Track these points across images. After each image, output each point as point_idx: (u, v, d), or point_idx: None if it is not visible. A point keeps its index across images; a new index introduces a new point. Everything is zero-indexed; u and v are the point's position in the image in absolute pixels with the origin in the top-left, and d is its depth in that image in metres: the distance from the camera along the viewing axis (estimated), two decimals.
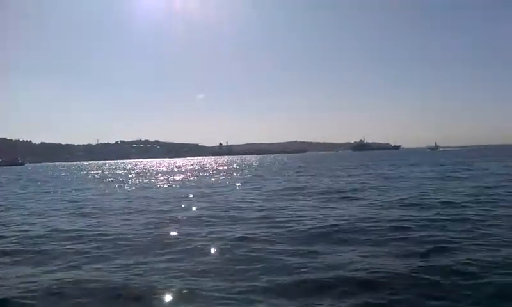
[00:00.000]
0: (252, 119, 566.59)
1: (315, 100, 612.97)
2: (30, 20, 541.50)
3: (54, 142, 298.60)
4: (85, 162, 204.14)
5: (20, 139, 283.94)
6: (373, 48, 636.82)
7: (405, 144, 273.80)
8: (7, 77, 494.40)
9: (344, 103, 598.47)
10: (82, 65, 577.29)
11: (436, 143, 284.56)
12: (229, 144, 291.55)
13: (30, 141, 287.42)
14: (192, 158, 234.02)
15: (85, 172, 70.77)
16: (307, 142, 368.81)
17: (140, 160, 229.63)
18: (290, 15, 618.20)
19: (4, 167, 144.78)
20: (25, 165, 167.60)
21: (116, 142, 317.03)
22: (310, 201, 17.34)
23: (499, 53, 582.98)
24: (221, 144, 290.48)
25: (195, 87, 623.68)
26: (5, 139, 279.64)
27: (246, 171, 50.11)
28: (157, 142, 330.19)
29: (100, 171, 71.48)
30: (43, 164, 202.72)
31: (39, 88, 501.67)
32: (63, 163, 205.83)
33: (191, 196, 21.54)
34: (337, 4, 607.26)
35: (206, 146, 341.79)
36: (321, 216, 12.85)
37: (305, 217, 12.82)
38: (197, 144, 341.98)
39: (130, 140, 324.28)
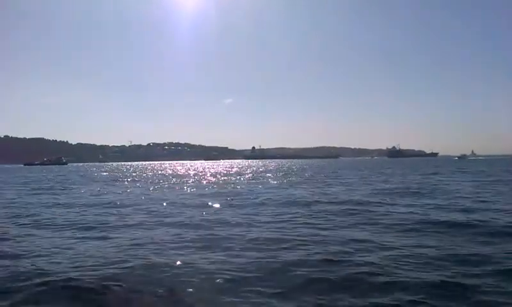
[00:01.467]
0: (283, 123, 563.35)
1: (346, 105, 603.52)
2: (59, 25, 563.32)
3: (89, 142, 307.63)
4: (124, 163, 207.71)
5: (57, 140, 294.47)
6: (407, 55, 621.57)
7: (442, 152, 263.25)
8: (42, 79, 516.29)
9: (376, 109, 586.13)
10: (114, 68, 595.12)
11: (473, 151, 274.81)
12: (262, 147, 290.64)
13: (67, 142, 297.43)
14: (227, 161, 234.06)
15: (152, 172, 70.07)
16: (339, 147, 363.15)
17: (171, 162, 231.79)
18: (325, 19, 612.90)
19: (49, 166, 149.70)
20: (68, 164, 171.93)
21: (148, 144, 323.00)
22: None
23: None
24: (253, 147, 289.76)
25: (225, 91, 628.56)
26: (43, 138, 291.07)
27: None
28: (187, 144, 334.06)
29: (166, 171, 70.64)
30: (84, 163, 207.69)
31: (72, 91, 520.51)
32: (101, 163, 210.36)
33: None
34: (383, 3, 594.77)
35: (236, 149, 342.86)
36: None
37: None
38: (227, 147, 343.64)
39: (161, 142, 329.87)
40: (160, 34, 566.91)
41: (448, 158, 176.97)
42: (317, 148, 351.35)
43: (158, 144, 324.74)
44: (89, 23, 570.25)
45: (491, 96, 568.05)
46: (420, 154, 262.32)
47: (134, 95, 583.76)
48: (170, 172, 68.30)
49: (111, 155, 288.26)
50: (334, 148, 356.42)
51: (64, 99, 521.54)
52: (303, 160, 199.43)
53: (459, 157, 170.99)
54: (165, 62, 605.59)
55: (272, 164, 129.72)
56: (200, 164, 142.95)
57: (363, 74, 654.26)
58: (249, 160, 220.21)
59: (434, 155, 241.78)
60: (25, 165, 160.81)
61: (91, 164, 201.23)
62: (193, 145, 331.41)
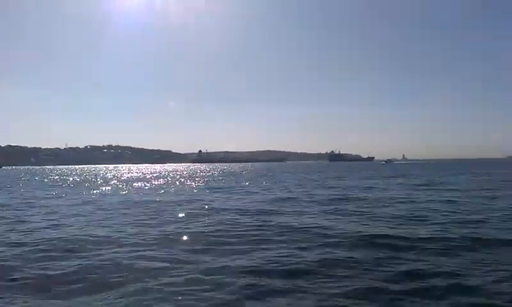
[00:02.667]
0: (229, 127, 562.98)
1: (292, 111, 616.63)
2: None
3: (19, 145, 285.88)
4: (58, 166, 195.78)
5: None
6: (346, 60, 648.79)
7: (378, 156, 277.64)
8: None
9: (318, 115, 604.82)
10: (49, 68, 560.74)
11: (403, 156, 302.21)
12: (208, 151, 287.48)
13: None
14: (171, 164, 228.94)
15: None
16: (285, 151, 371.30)
17: (111, 165, 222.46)
18: (268, 25, 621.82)
19: None
20: (2, 167, 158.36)
21: (86, 147, 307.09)
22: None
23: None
24: (200, 151, 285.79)
25: (169, 94, 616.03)
26: None
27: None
28: (128, 147, 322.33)
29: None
30: (14, 167, 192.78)
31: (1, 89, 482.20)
32: (31, 166, 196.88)
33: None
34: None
35: (181, 153, 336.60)
36: None
37: None
38: (170, 151, 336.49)
39: (100, 145, 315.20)
40: (101, 33, 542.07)
41: (377, 163, 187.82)
42: (264, 151, 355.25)
43: (97, 147, 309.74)
44: (25, 19, 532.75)
45: (425, 105, 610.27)
46: (358, 158, 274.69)
47: (71, 96, 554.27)
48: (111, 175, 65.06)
49: (44, 158, 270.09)
50: (280, 152, 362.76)
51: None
52: (250, 164, 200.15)
53: (385, 161, 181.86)
54: (105, 62, 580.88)
55: (219, 167, 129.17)
56: (135, 168, 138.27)
57: (306, 81, 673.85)
58: (197, 164, 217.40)
59: (371, 159, 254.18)
60: None
61: (25, 167, 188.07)
62: (135, 148, 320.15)
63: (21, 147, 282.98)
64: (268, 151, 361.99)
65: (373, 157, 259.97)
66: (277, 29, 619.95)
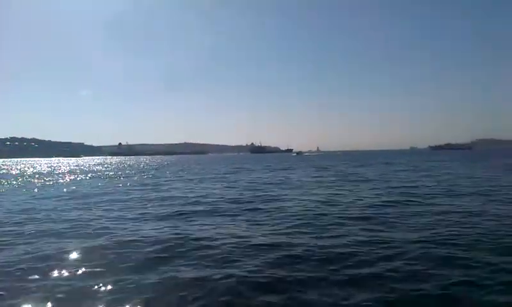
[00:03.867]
0: (146, 118, 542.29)
1: (209, 103, 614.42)
2: None
3: None
4: None
5: None
6: (277, 50, 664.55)
7: (296, 148, 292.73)
8: None
9: (237, 107, 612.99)
10: None
11: (318, 148, 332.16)
12: (129, 143, 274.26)
13: None
14: (86, 158, 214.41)
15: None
16: (204, 143, 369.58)
17: (15, 159, 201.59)
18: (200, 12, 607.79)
19: None
20: None
21: None
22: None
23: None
24: (120, 143, 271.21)
25: (80, 82, 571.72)
26: None
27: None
28: (34, 139, 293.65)
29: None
30: None
31: None
32: None
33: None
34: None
35: (95, 146, 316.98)
36: None
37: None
38: (83, 143, 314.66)
39: (2, 137, 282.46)
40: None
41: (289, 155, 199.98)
42: (184, 143, 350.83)
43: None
44: None
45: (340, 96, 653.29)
46: (277, 150, 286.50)
47: None
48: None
49: None
50: (200, 144, 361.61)
51: None
52: (172, 157, 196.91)
53: (297, 153, 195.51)
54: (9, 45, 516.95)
55: (142, 160, 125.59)
56: (44, 162, 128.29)
57: (226, 72, 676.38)
58: (116, 157, 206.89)
59: (290, 151, 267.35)
60: None
61: None
62: (41, 140, 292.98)
63: None
64: (189, 143, 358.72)
65: (292, 149, 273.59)
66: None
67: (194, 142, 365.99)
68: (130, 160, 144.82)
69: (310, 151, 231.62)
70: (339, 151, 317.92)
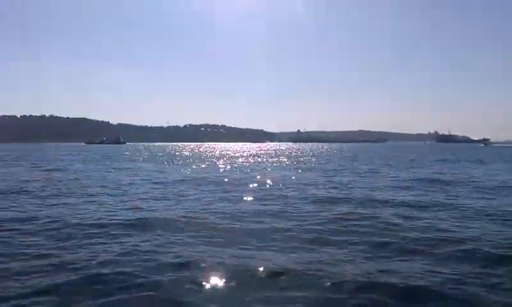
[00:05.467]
0: (320, 106, 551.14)
1: (390, 88, 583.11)
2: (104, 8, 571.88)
3: (129, 123, 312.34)
4: (168, 143, 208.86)
5: (99, 120, 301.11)
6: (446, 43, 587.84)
7: (493, 138, 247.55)
8: (84, 60, 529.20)
9: (419, 92, 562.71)
10: (147, 53, 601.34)
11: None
12: (307, 130, 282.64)
13: (108, 122, 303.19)
14: (270, 144, 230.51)
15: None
16: (381, 131, 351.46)
17: (209, 143, 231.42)
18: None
19: (109, 145, 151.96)
20: (126, 144, 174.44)
21: (185, 126, 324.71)
22: None
23: None
24: (299, 130, 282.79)
25: (255, 75, 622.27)
26: (85, 119, 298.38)
27: None
28: (223, 126, 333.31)
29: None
30: (139, 143, 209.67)
31: (111, 72, 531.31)
32: (147, 143, 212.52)
33: None
34: None
35: (273, 132, 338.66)
36: None
37: None
38: (262, 130, 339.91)
39: (198, 123, 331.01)
40: (203, 21, 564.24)
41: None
42: (359, 131, 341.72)
43: (195, 126, 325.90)
44: (134, 10, 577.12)
45: None
46: (466, 140, 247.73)
47: (169, 76, 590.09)
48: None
49: (151, 135, 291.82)
50: (377, 132, 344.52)
51: (105, 80, 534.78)
52: (355, 144, 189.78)
53: (484, 144, 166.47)
54: (200, 49, 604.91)
55: (326, 147, 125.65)
56: (240, 147, 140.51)
57: (410, 54, 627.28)
58: (296, 144, 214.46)
59: (486, 140, 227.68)
60: (86, 143, 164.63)
61: (146, 143, 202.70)
62: (229, 127, 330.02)
63: (130, 125, 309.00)
64: (362, 131, 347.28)
65: (488, 139, 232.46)
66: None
67: (369, 129, 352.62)
68: (314, 146, 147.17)
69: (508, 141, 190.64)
70: None
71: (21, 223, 10.10)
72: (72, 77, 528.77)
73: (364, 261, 7.03)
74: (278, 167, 33.94)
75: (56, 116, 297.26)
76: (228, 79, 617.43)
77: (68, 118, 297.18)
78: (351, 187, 18.13)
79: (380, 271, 6.41)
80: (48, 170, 28.96)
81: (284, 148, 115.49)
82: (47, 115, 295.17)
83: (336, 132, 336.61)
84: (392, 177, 23.54)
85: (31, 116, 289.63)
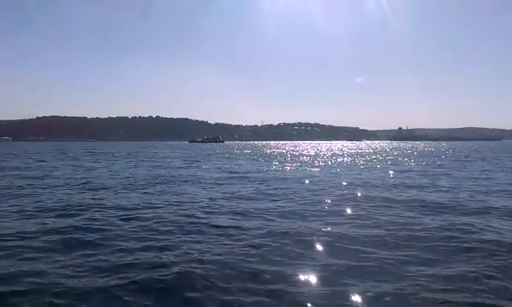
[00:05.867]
0: (423, 102, 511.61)
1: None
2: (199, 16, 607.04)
3: (225, 122, 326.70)
4: (256, 142, 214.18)
5: (199, 120, 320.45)
6: None
7: None
8: (183, 65, 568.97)
9: None
10: (243, 55, 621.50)
11: None
12: (408, 128, 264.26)
13: (207, 121, 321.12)
14: (368, 142, 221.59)
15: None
16: (492, 128, 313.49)
17: (301, 142, 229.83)
18: None
19: (209, 143, 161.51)
20: (224, 142, 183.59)
21: (279, 124, 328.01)
22: None
23: None
24: (400, 128, 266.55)
25: (355, 70, 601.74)
26: (187, 119, 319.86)
27: None
28: (316, 125, 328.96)
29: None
30: (235, 141, 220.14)
31: (210, 74, 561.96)
32: (243, 142, 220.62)
33: None
34: None
35: (368, 130, 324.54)
36: None
37: None
38: (357, 128, 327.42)
39: (291, 122, 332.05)
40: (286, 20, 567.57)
41: None
42: (465, 128, 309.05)
43: (288, 124, 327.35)
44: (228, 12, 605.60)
45: None
46: None
47: (265, 75, 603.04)
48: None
49: (245, 134, 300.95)
50: (488, 129, 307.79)
51: (204, 82, 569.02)
52: (465, 143, 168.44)
53: None
54: (285, 45, 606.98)
55: (445, 145, 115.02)
56: (340, 145, 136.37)
57: None
58: (395, 142, 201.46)
59: None
60: (189, 142, 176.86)
61: (241, 142, 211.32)
62: (323, 125, 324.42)
63: (226, 124, 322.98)
64: (469, 128, 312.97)
65: None
66: None
67: (479, 126, 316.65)
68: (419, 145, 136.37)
69: None
70: None
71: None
72: (175, 80, 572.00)
73: None
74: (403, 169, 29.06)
75: (161, 117, 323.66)
76: (321, 77, 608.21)
77: (172, 118, 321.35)
78: None
79: None
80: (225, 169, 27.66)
81: (388, 147, 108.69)
82: (154, 116, 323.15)
83: (439, 130, 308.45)
84: None
85: (140, 117, 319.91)
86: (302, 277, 5.81)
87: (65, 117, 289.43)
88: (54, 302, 5.02)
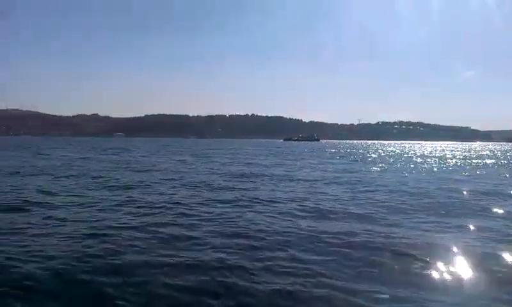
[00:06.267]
0: None
1: None
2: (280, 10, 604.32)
3: (319, 121, 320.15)
4: (353, 141, 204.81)
5: (293, 118, 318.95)
6: None
7: None
8: (278, 64, 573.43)
9: None
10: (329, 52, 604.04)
11: None
12: None
13: (301, 120, 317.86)
14: (484, 143, 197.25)
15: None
16: None
17: (406, 142, 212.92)
18: None
19: (304, 142, 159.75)
20: (320, 141, 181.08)
21: (377, 123, 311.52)
22: None
23: None
24: None
25: (464, 64, 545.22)
26: (281, 117, 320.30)
27: None
28: (420, 123, 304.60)
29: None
30: (330, 140, 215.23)
31: (304, 72, 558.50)
32: (338, 141, 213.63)
33: None
34: None
35: (480, 130, 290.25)
36: None
37: None
38: (469, 128, 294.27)
39: (391, 121, 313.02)
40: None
41: None
42: None
43: (387, 123, 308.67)
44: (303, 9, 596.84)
45: None
46: None
47: (361, 78, 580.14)
48: None
49: (341, 133, 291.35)
50: None
51: (299, 80, 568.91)
52: None
53: None
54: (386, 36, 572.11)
55: None
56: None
57: None
58: None
59: None
60: (284, 140, 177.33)
61: (337, 141, 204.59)
62: (427, 124, 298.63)
63: (321, 123, 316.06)
64: None
65: None
66: None
67: None
68: None
69: None
70: None
71: None
72: (270, 79, 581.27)
73: None
74: None
75: (257, 115, 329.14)
76: (421, 70, 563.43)
77: (266, 116, 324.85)
78: None
79: None
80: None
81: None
82: (249, 114, 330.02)
83: None
84: None
85: (237, 115, 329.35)
86: None
87: (170, 115, 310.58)
88: None
